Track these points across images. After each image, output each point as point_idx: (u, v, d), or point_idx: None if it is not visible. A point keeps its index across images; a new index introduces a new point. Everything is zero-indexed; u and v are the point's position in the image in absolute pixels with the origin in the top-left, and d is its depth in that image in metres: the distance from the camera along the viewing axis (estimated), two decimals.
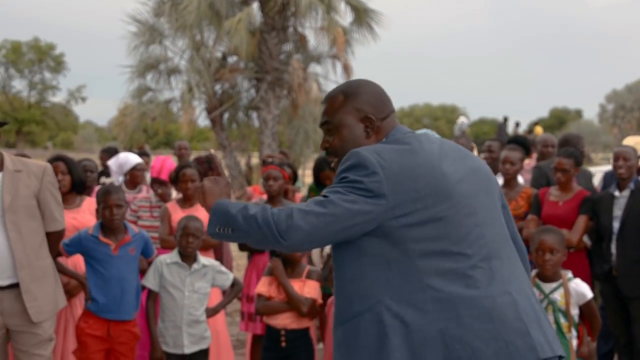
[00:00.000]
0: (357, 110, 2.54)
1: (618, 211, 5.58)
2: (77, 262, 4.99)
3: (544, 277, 4.34)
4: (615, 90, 63.90)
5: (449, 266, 2.29)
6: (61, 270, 4.59)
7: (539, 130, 24.47)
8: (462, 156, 2.53)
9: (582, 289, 4.30)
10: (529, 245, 4.46)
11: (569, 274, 4.38)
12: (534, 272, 4.38)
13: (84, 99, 55.67)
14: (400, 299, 2.28)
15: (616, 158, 5.62)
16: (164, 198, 6.05)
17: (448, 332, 2.23)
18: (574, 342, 4.28)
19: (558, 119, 63.40)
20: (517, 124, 24.48)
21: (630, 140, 7.04)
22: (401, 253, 2.30)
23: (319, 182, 6.76)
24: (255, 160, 20.34)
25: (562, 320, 4.24)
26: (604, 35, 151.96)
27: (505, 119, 24.51)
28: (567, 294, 4.25)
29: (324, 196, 2.34)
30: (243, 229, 2.36)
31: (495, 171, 6.75)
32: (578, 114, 71.08)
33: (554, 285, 4.31)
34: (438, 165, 2.39)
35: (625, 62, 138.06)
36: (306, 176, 20.76)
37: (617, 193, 5.62)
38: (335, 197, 2.31)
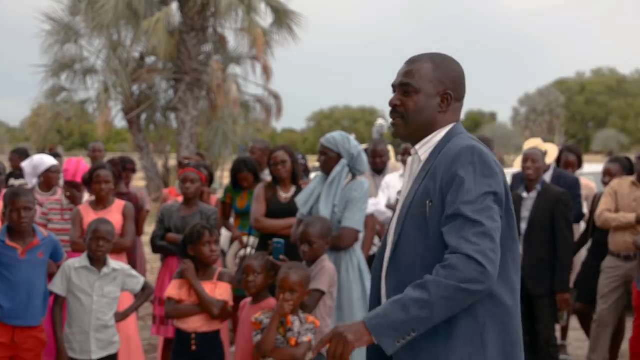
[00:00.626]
0: (440, 82, 2.53)
1: (525, 212, 5.75)
2: None
3: None
4: (527, 95, 65.77)
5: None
6: None
7: None
8: None
9: None
10: None
11: None
12: None
13: None
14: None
15: (525, 160, 5.79)
16: (74, 201, 5.93)
17: None
18: None
19: (473, 122, 64.80)
20: None
21: (531, 143, 7.25)
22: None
23: (237, 184, 6.74)
24: (172, 162, 20.12)
25: None
26: (519, 40, 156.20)
27: None
28: None
29: (482, 212, 2.34)
30: (431, 318, 2.30)
31: None
32: (492, 116, 72.87)
33: None
34: None
35: (538, 67, 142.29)
36: (224, 178, 20.66)
37: (525, 194, 5.79)
38: (489, 221, 2.34)
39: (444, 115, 2.54)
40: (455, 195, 2.35)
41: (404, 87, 2.54)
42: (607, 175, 6.54)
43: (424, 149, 2.56)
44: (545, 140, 7.82)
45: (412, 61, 2.56)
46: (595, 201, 6.56)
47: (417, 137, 2.58)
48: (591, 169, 9.09)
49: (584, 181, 7.26)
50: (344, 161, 5.09)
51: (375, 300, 2.62)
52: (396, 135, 2.61)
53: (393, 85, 2.59)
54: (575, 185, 6.69)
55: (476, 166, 2.37)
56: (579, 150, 7.65)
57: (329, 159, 5.12)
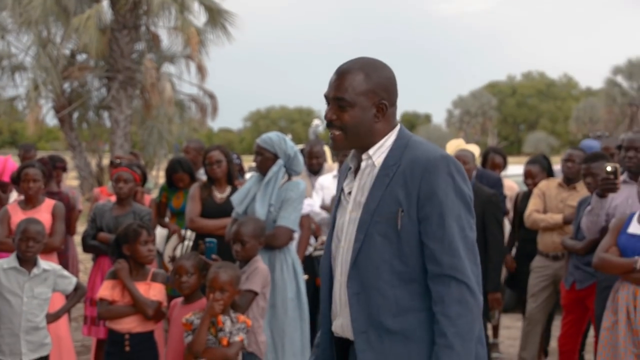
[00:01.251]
0: (374, 93, 2.52)
1: None
2: None
3: None
4: (461, 97, 66.87)
5: None
6: None
7: None
8: None
9: None
10: None
11: None
12: None
13: None
14: None
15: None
16: (1, 202, 5.79)
17: None
18: None
19: (408, 123, 65.61)
20: None
21: (454, 144, 7.36)
22: None
23: (172, 184, 6.69)
24: (106, 161, 19.80)
25: None
26: (452, 42, 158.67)
27: None
28: None
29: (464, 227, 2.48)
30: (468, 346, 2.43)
31: None
32: (427, 118, 73.89)
33: None
34: None
35: (471, 69, 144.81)
36: (160, 177, 20.44)
37: None
38: (469, 231, 2.49)
39: (381, 124, 2.55)
40: (434, 218, 2.45)
41: (338, 102, 2.53)
42: (529, 177, 6.62)
43: (377, 154, 2.55)
44: (477, 142, 7.98)
45: (343, 73, 2.54)
46: (517, 200, 6.71)
47: (359, 147, 2.59)
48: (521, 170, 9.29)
49: (507, 182, 7.41)
50: (280, 161, 5.10)
51: (326, 303, 2.64)
52: (336, 148, 2.62)
53: (326, 97, 2.57)
54: (497, 184, 6.82)
55: (455, 180, 2.49)
56: (504, 151, 7.82)
57: (266, 159, 5.12)
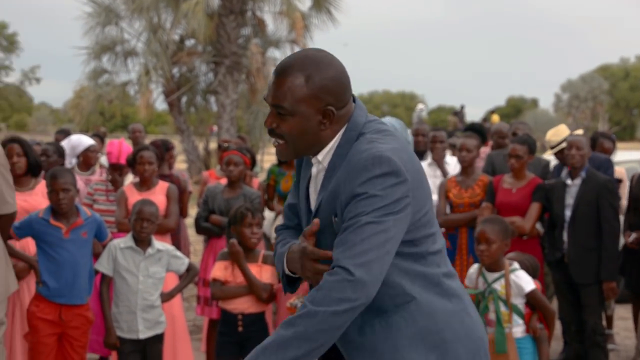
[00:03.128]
0: (317, 99, 2.16)
1: (570, 199, 5.66)
2: (24, 245, 4.90)
3: (488, 266, 4.38)
4: (570, 80, 64.80)
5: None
6: (12, 253, 4.51)
7: (495, 118, 24.73)
8: None
9: (521, 281, 4.30)
10: None
11: (514, 265, 4.39)
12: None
13: (38, 80, 54.73)
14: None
15: (569, 147, 5.69)
16: (116, 185, 5.97)
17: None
18: (519, 330, 4.33)
19: (514, 108, 64.14)
20: (462, 107, 24.68)
21: (558, 130, 7.11)
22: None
23: (281, 163, 6.70)
24: (213, 144, 20.20)
25: (503, 309, 4.30)
26: (561, 25, 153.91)
27: (462, 107, 24.70)
28: (507, 285, 4.29)
29: (370, 223, 2.07)
30: (313, 350, 2.02)
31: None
32: (534, 103, 71.93)
33: (496, 275, 4.35)
34: (419, 164, 2.28)
35: (581, 52, 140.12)
36: (264, 161, 20.71)
37: (568, 181, 5.70)
38: (384, 222, 2.07)
39: (330, 129, 2.21)
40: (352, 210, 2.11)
41: (276, 109, 2.20)
42: None
43: (327, 157, 2.25)
44: (587, 128, 7.70)
45: (280, 74, 2.18)
46: (633, 183, 6.44)
47: (307, 154, 2.29)
48: (634, 157, 8.95)
49: (617, 169, 7.13)
50: None
51: None
52: (281, 158, 2.35)
53: (266, 102, 2.25)
54: (607, 165, 6.56)
55: (375, 168, 2.10)
56: (613, 136, 7.56)
57: None
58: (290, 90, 2.16)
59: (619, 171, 7.17)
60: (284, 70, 2.18)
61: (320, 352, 2.05)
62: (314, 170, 2.33)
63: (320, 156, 2.26)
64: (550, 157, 7.12)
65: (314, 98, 2.16)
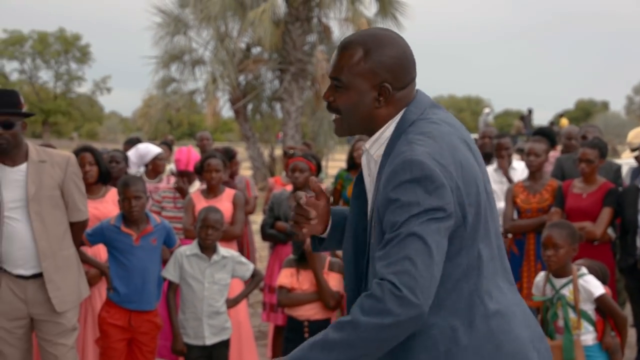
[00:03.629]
0: (374, 74, 2.14)
1: None
2: (96, 252, 5.01)
3: (556, 272, 4.29)
4: None
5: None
6: (84, 259, 4.62)
7: (564, 122, 24.26)
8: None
9: (590, 286, 4.20)
10: None
11: (582, 270, 4.29)
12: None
13: (109, 90, 56.05)
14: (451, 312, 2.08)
15: None
16: (182, 193, 6.06)
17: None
18: (589, 337, 4.22)
19: (584, 111, 62.82)
20: (530, 111, 24.28)
21: (637, 132, 6.92)
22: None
23: (353, 165, 6.68)
24: (278, 151, 20.33)
25: (572, 315, 4.20)
26: (633, 26, 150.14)
27: (530, 111, 24.32)
28: (575, 290, 4.19)
29: (412, 235, 1.97)
30: (355, 352, 1.96)
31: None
32: (604, 105, 70.31)
33: (564, 280, 4.26)
34: (473, 162, 2.15)
35: None
36: (330, 167, 20.74)
37: None
38: (427, 235, 1.96)
39: (385, 109, 2.17)
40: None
41: (334, 82, 2.20)
42: None
43: (375, 147, 2.21)
44: None
45: (342, 49, 2.19)
46: None
47: (361, 133, 2.26)
48: None
49: None
50: None
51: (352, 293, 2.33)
52: (337, 134, 2.30)
53: (329, 77, 2.23)
54: None
55: (405, 173, 2.01)
56: None
57: None
58: (348, 63, 2.15)
59: None
60: (345, 45, 2.19)
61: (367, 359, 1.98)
62: (363, 158, 2.29)
63: (367, 144, 2.23)
64: (622, 162, 6.95)
65: (370, 73, 2.14)
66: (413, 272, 1.93)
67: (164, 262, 4.90)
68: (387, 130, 2.18)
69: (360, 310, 1.95)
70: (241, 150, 10.63)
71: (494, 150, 6.83)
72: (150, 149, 6.70)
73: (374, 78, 2.14)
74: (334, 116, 2.25)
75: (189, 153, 6.23)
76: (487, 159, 7.04)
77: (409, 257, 1.94)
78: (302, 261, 4.63)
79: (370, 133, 2.22)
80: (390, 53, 2.14)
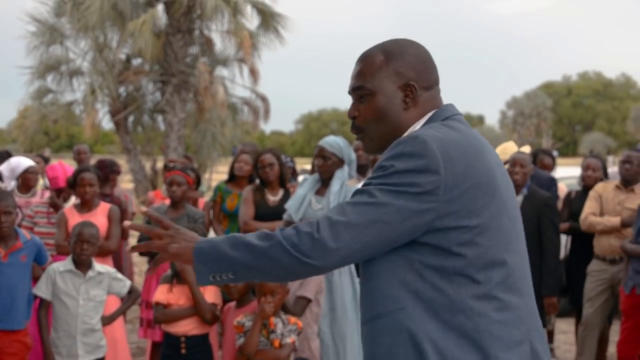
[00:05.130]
0: (398, 75, 2.09)
1: None
2: None
3: None
4: (514, 97, 66.07)
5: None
6: None
7: None
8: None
9: None
10: None
11: None
12: None
13: None
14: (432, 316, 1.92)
15: (513, 164, 5.79)
16: (57, 209, 5.88)
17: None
18: None
19: None
20: None
21: (506, 146, 7.26)
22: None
23: (233, 179, 6.62)
24: (160, 164, 20.08)
25: None
26: (506, 43, 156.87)
27: None
28: None
29: (364, 192, 1.92)
30: (252, 267, 1.94)
31: None
32: (480, 119, 73.15)
33: None
34: (494, 172, 2.01)
35: (525, 69, 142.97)
36: (213, 180, 20.62)
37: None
38: (381, 197, 1.88)
39: (413, 110, 2.10)
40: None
41: (357, 92, 2.13)
42: (589, 169, 6.54)
43: None
44: (531, 144, 7.87)
45: (361, 58, 2.15)
46: (567, 200, 6.62)
47: (388, 143, 2.10)
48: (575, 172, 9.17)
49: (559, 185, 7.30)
50: (346, 167, 5.13)
51: None
52: (367, 152, 2.22)
53: (349, 93, 2.18)
54: (551, 184, 6.75)
55: (399, 146, 1.96)
56: (552, 153, 7.76)
57: (332, 164, 5.14)
58: (370, 69, 2.11)
59: (561, 188, 7.33)
60: (364, 54, 2.15)
61: (254, 277, 1.97)
62: None
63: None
64: None
65: (394, 73, 2.09)
66: (345, 224, 1.88)
67: (35, 279, 4.74)
68: (416, 127, 2.09)
69: (281, 232, 1.94)
70: (122, 163, 10.38)
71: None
72: (21, 163, 6.47)
73: (399, 78, 2.09)
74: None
75: (63, 168, 6.06)
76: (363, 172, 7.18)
77: (351, 209, 1.90)
78: (178, 276, 4.59)
79: None
80: (412, 52, 2.12)
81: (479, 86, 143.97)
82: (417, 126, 2.09)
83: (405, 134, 2.07)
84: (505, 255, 1.96)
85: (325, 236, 1.87)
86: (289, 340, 4.08)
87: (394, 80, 2.09)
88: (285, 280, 1.99)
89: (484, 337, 1.90)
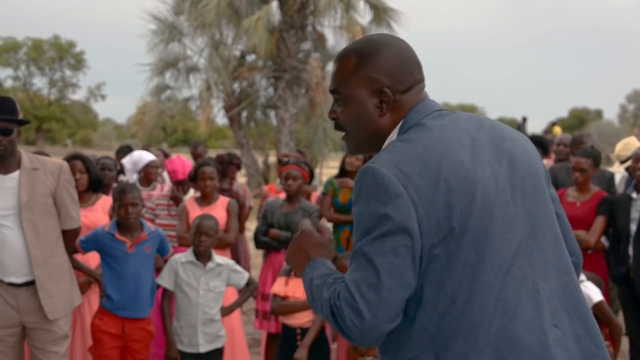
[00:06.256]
0: (371, 81, 1.98)
1: (635, 213, 5.51)
2: (86, 259, 5.00)
3: None
4: (636, 90, 63.40)
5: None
6: (77, 267, 4.61)
7: (557, 130, 24.25)
8: (499, 144, 1.97)
9: (590, 292, 4.20)
10: None
11: (582, 276, 4.30)
12: None
13: (103, 97, 56.15)
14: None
15: (636, 160, 5.56)
16: (177, 202, 6.04)
17: None
18: None
19: (578, 119, 63.04)
20: (524, 120, 24.32)
21: (628, 142, 6.91)
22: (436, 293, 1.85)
23: (343, 173, 6.67)
24: (272, 158, 20.35)
25: None
26: (626, 34, 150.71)
27: (524, 119, 24.34)
28: None
29: (357, 256, 1.85)
30: (318, 308, 1.94)
31: None
32: (598, 114, 70.55)
33: None
34: (472, 169, 1.87)
35: None
36: (323, 175, 20.75)
37: (634, 195, 5.56)
38: (375, 255, 1.81)
39: (390, 116, 2.00)
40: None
41: (333, 95, 2.07)
42: None
43: None
44: None
45: (337, 59, 2.06)
46: None
47: (368, 149, 2.08)
48: None
49: None
50: None
51: None
52: (351, 153, 2.15)
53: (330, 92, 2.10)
54: None
55: (359, 184, 1.88)
56: None
57: None
58: (343, 72, 2.02)
59: None
60: (339, 56, 2.06)
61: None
62: None
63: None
64: (615, 170, 6.96)
65: (366, 79, 1.99)
66: (357, 297, 1.80)
67: (157, 270, 4.89)
68: (392, 138, 2.01)
69: (335, 296, 1.87)
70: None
71: None
72: (143, 157, 6.69)
73: (372, 84, 1.99)
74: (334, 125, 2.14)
75: (181, 162, 6.23)
76: None
77: (356, 282, 1.81)
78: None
79: (378, 149, 2.03)
80: (386, 55, 1.99)
81: (597, 80, 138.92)
82: (394, 134, 2.00)
83: (387, 141, 2.01)
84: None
85: (356, 313, 1.80)
86: None
87: (366, 86, 1.99)
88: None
89: None
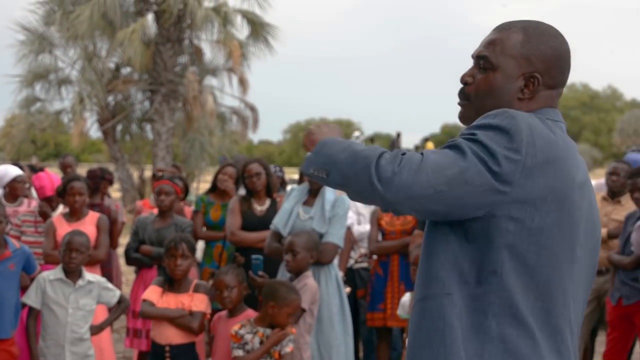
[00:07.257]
0: (528, 61, 1.93)
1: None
2: None
3: None
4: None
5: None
6: None
7: (430, 145, 25.08)
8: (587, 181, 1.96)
9: None
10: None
11: None
12: None
13: None
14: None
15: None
16: (45, 218, 5.88)
17: None
18: None
19: (449, 135, 65.22)
20: (399, 135, 25.03)
21: None
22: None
23: (214, 189, 6.62)
24: (148, 173, 20.05)
25: None
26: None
27: (398, 135, 25.02)
28: None
29: (454, 147, 1.80)
30: (341, 172, 1.83)
31: None
32: None
33: None
34: (576, 193, 1.87)
35: None
36: (200, 189, 20.60)
37: None
38: (470, 157, 1.75)
39: (527, 103, 1.95)
40: None
41: (480, 60, 1.98)
42: (614, 174, 6.16)
43: None
44: None
45: (500, 29, 1.99)
46: None
47: None
48: None
49: None
50: None
51: None
52: (461, 121, 2.07)
53: (472, 57, 2.04)
54: None
55: (492, 118, 1.83)
56: None
57: None
58: (504, 44, 1.96)
59: None
60: (505, 25, 1.99)
61: (341, 185, 1.87)
62: None
63: None
64: None
65: (525, 59, 1.94)
66: (417, 166, 1.75)
67: (23, 288, 4.74)
68: None
69: (382, 152, 1.81)
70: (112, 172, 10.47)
71: None
72: (8, 171, 6.45)
73: (527, 65, 1.94)
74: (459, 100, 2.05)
75: (49, 177, 6.06)
76: None
77: (427, 154, 1.78)
78: (170, 282, 4.61)
79: None
80: (552, 45, 1.96)
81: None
82: None
83: None
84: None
85: (404, 169, 1.75)
86: (287, 349, 4.12)
87: (521, 65, 1.95)
88: (360, 200, 1.86)
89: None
